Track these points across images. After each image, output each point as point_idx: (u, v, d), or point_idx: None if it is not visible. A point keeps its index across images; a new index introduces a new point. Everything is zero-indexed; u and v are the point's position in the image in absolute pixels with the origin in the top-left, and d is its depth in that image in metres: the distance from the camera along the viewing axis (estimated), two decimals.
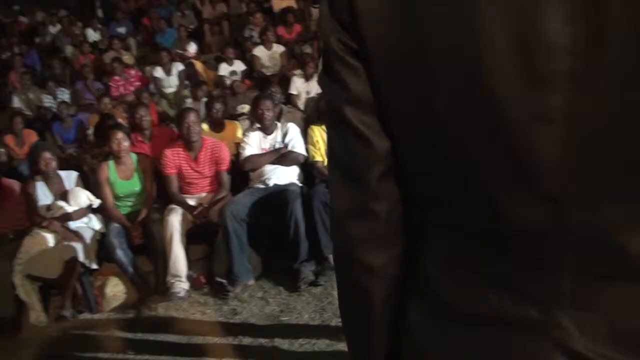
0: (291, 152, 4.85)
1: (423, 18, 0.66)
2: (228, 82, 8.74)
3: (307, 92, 7.76)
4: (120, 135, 4.80)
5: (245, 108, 7.55)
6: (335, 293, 4.14)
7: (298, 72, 8.63)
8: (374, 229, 0.79)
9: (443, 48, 0.65)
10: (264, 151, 4.91)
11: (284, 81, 8.52)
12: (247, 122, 6.29)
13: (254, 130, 5.06)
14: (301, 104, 7.58)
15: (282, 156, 4.85)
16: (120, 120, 6.63)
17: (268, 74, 8.80)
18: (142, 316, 4.27)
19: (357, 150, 0.76)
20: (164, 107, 8.39)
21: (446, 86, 0.66)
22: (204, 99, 7.90)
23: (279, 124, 5.03)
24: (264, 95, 5.42)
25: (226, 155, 4.89)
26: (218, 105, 5.83)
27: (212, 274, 4.65)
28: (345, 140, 0.77)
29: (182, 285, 4.50)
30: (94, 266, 4.57)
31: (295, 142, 4.89)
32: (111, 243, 4.55)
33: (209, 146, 4.88)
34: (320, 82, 0.85)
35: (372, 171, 0.76)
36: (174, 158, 4.85)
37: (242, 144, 4.94)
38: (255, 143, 4.93)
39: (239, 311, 4.16)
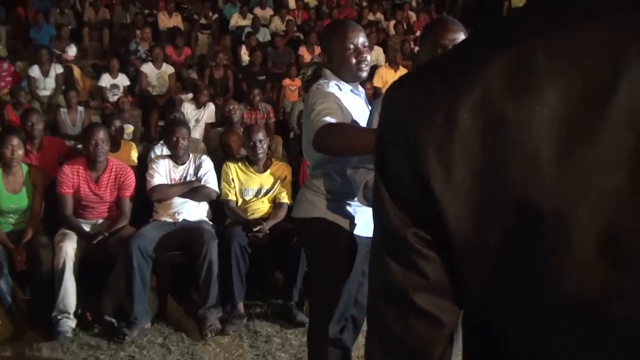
0: (204, 187, 4.54)
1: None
2: (109, 95, 8.17)
3: (197, 120, 7.46)
4: (15, 141, 4.19)
5: (130, 129, 7.06)
6: (246, 345, 3.94)
7: (187, 97, 8.30)
8: None
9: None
10: (173, 182, 4.55)
11: (170, 104, 8.14)
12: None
13: (163, 157, 4.68)
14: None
15: (194, 190, 4.52)
16: None
17: (154, 93, 8.34)
18: (23, 356, 3.69)
19: (423, 332, 0.79)
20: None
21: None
22: (80, 108, 7.33)
23: (191, 155, 4.70)
24: (179, 121, 5.06)
25: (132, 181, 4.45)
26: (117, 123, 5.37)
27: (101, 312, 4.17)
28: (409, 322, 0.79)
29: (69, 323, 3.97)
30: None
31: (209, 176, 4.59)
32: None
33: (114, 169, 4.41)
34: (382, 263, 0.82)
35: (437, 349, 0.80)
36: (72, 176, 4.32)
37: (150, 171, 4.53)
38: (164, 171, 4.55)
39: (137, 359, 3.74)
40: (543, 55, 0.67)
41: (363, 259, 2.73)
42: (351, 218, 2.70)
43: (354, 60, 2.66)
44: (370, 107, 2.85)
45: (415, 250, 0.76)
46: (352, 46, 2.64)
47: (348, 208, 2.71)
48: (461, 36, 2.34)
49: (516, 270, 0.71)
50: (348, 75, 2.69)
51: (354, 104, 2.69)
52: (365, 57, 2.70)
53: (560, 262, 0.67)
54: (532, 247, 0.68)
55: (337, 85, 2.65)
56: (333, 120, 2.40)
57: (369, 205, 2.46)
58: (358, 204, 2.65)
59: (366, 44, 2.72)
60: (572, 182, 0.65)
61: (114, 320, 4.12)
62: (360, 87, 2.83)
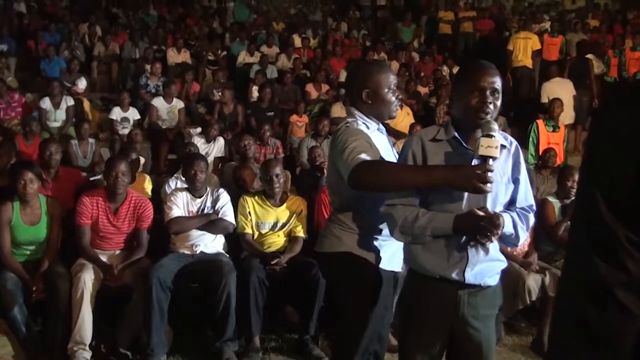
0: (222, 219, 4.56)
1: None
2: (119, 128, 8.23)
3: (206, 154, 7.48)
4: (29, 176, 4.16)
5: (141, 161, 7.09)
6: None
7: (195, 131, 8.36)
8: None
9: None
10: (191, 214, 4.57)
11: (179, 137, 8.21)
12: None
13: (181, 190, 4.71)
14: None
15: (211, 223, 4.53)
16: None
17: (164, 127, 8.41)
18: None
19: (619, 324, 0.93)
20: None
21: None
22: (91, 140, 7.36)
23: (209, 188, 4.73)
24: (197, 154, 5.10)
25: (150, 213, 4.47)
26: (134, 155, 5.41)
27: (116, 344, 4.13)
28: (609, 314, 0.93)
29: (85, 355, 3.94)
30: None
31: (226, 209, 4.61)
32: (6, 296, 3.91)
33: (133, 201, 4.43)
34: (587, 260, 0.99)
35: (628, 341, 0.93)
36: (91, 207, 4.33)
37: (168, 203, 4.55)
38: (182, 204, 4.57)
39: None
40: None
41: (387, 293, 2.74)
42: (377, 252, 2.71)
43: (394, 99, 2.74)
44: (392, 145, 2.91)
45: (624, 250, 0.91)
46: (393, 85, 2.72)
47: (374, 242, 2.71)
48: (498, 80, 2.39)
49: None
50: (386, 112, 2.76)
51: (381, 142, 2.74)
52: (400, 96, 2.80)
53: None
54: None
55: (365, 123, 2.71)
56: (368, 158, 2.45)
57: (406, 241, 2.48)
58: (384, 237, 2.67)
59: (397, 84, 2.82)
60: None
61: (128, 353, 4.09)
62: (382, 126, 2.88)
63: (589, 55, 10.43)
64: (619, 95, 1.09)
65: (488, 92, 2.34)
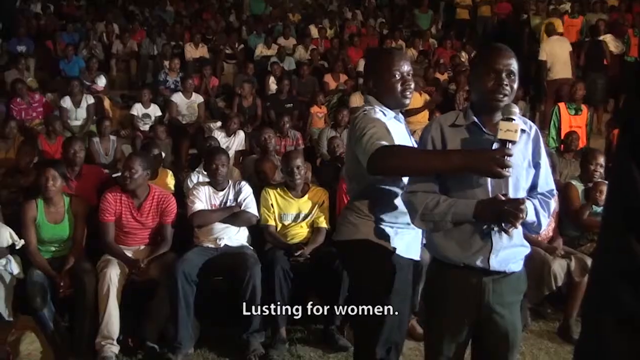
0: (245, 212, 4.57)
1: None
2: (140, 124, 8.30)
3: (227, 147, 7.50)
4: (52, 172, 4.22)
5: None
6: None
7: (215, 125, 8.39)
8: None
9: None
10: (214, 207, 4.59)
11: (200, 132, 8.24)
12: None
13: (203, 184, 4.73)
14: None
15: (234, 215, 4.55)
16: None
17: (184, 122, 8.46)
18: None
19: None
20: None
21: None
22: (112, 138, 7.42)
23: (230, 182, 4.75)
24: (218, 148, 5.12)
25: (174, 208, 4.50)
26: (156, 151, 5.44)
27: (143, 338, 4.18)
28: None
29: (113, 349, 3.99)
30: (9, 318, 3.95)
31: (249, 202, 4.62)
32: (34, 293, 3.97)
33: (156, 196, 4.47)
34: (625, 244, 0.92)
35: None
36: (115, 204, 4.38)
37: (191, 197, 4.58)
38: (204, 198, 4.60)
39: None
40: None
41: (405, 280, 2.72)
42: (394, 239, 2.69)
43: (399, 88, 2.70)
44: (409, 133, 2.89)
45: None
46: (398, 74, 2.68)
47: (391, 229, 2.69)
48: (514, 62, 2.36)
49: None
50: (392, 101, 2.72)
51: (398, 130, 2.71)
52: (410, 84, 2.73)
53: None
54: None
55: (382, 111, 2.69)
56: (387, 144, 2.43)
57: (428, 228, 2.45)
58: (401, 225, 2.66)
59: (411, 72, 2.76)
60: None
61: (156, 346, 4.13)
62: (400, 115, 2.85)
63: (605, 37, 10.29)
64: None
65: (504, 75, 2.32)
